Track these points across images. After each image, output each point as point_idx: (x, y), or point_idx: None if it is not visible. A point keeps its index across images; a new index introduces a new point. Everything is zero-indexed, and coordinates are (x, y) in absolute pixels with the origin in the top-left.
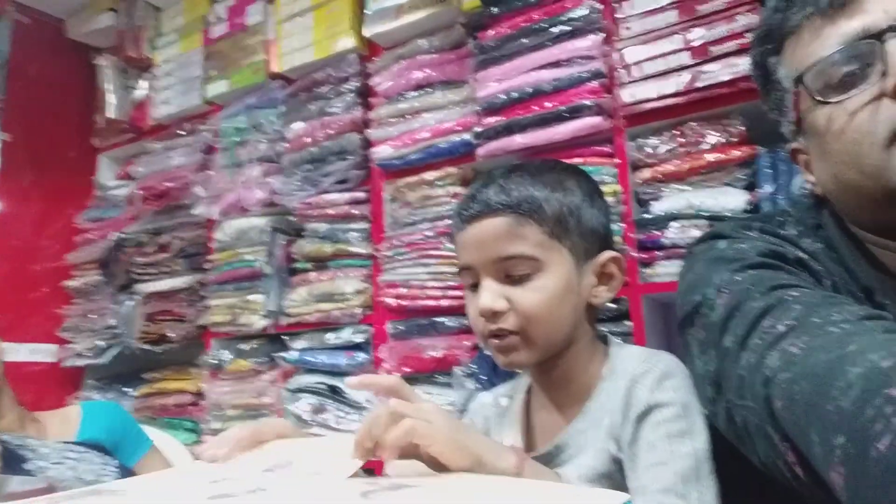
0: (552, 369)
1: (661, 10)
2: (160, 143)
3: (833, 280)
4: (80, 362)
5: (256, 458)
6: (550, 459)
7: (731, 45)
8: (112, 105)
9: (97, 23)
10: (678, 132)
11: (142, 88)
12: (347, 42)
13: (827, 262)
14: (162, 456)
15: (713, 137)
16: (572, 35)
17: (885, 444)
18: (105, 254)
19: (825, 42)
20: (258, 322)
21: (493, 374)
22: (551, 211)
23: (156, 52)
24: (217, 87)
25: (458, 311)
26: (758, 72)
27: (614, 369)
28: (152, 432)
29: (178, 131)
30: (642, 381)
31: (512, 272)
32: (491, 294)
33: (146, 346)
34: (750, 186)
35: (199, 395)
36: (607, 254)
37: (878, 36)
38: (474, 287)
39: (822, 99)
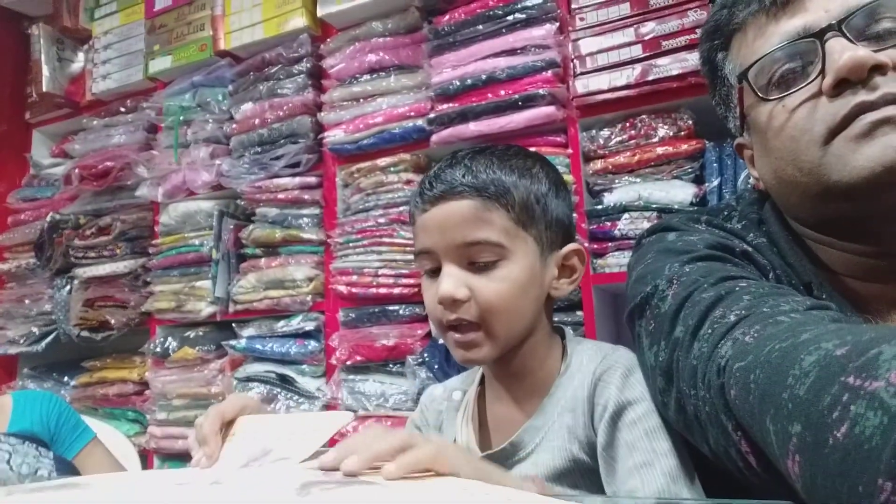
0: (509, 362)
1: (615, 2)
2: (100, 119)
3: (776, 273)
4: (14, 350)
5: (237, 448)
6: (507, 457)
7: (681, 40)
8: (46, 77)
9: None
10: (629, 124)
11: (79, 61)
12: (299, 21)
13: (770, 255)
14: (105, 448)
15: (663, 130)
16: (527, 23)
17: (842, 431)
18: (39, 235)
19: (768, 40)
20: (205, 309)
21: (446, 363)
22: (519, 197)
23: (94, 24)
24: (160, 63)
25: (411, 300)
26: (706, 67)
27: (571, 365)
28: (92, 423)
29: (119, 108)
30: (607, 380)
31: (476, 259)
32: (453, 281)
33: (85, 334)
34: (697, 180)
35: (142, 384)
36: (571, 246)
37: (819, 35)
38: (433, 273)
39: (763, 96)
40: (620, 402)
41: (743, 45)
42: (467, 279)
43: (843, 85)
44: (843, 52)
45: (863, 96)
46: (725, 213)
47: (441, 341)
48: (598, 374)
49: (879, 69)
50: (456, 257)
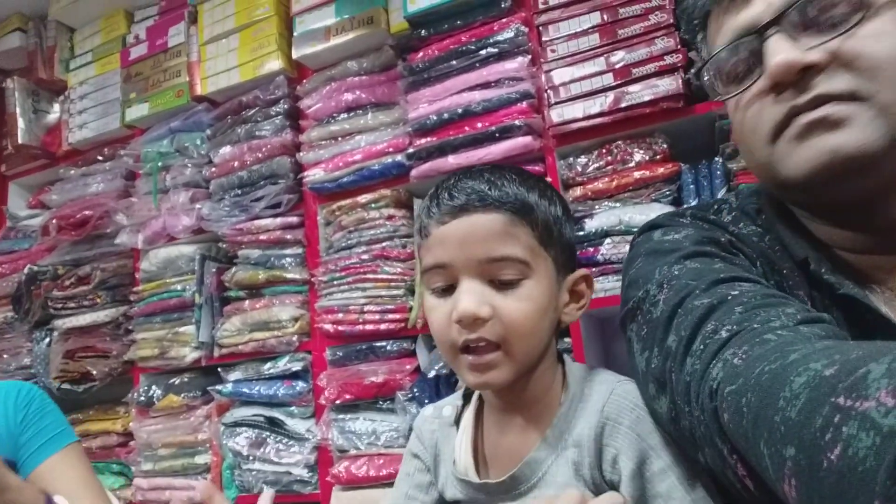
0: (518, 388)
1: (584, 33)
2: (77, 168)
3: (761, 262)
4: None
5: None
6: (507, 490)
7: (650, 67)
8: (22, 130)
9: (5, 43)
10: (606, 150)
11: (55, 112)
12: (274, 64)
13: (758, 244)
14: (85, 458)
15: (639, 155)
16: (500, 57)
17: (836, 453)
18: (17, 288)
19: (724, 35)
20: (189, 354)
21: (436, 398)
22: (541, 216)
23: (69, 74)
24: (137, 111)
25: (398, 335)
26: (695, 51)
27: (573, 394)
28: None
29: (97, 157)
30: (618, 421)
31: (499, 276)
32: (475, 297)
33: (66, 386)
34: (676, 202)
35: (127, 434)
36: (581, 271)
37: (760, 32)
38: (444, 291)
39: (720, 93)
40: (642, 450)
41: (709, 35)
42: (489, 296)
43: (780, 86)
44: (775, 55)
45: (796, 99)
46: (715, 206)
47: (432, 374)
48: (606, 414)
49: (815, 67)
50: (477, 273)
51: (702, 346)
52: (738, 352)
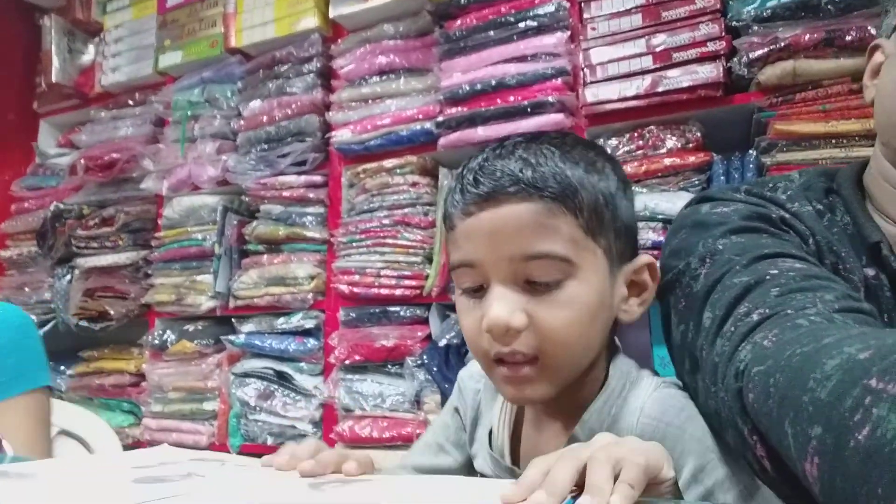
0: (564, 397)
1: (627, 12)
2: (107, 111)
3: (816, 240)
4: None
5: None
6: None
7: (692, 53)
8: (56, 68)
9: None
10: (637, 134)
11: (89, 53)
12: (310, 21)
13: (815, 223)
14: (48, 408)
15: (671, 142)
16: (539, 31)
17: (864, 434)
18: (42, 224)
19: None
20: (205, 303)
21: (445, 366)
22: (588, 198)
23: (106, 17)
24: (171, 58)
25: (413, 301)
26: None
27: (612, 391)
28: (78, 412)
29: (128, 101)
30: (670, 426)
31: (535, 277)
32: (507, 304)
33: (83, 323)
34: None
35: (139, 375)
36: (643, 258)
37: None
38: (476, 292)
39: None
40: (697, 467)
41: None
42: (524, 302)
43: None
44: None
45: None
46: (772, 184)
47: (442, 343)
48: (648, 413)
49: None
50: (509, 274)
51: (732, 328)
52: (768, 335)
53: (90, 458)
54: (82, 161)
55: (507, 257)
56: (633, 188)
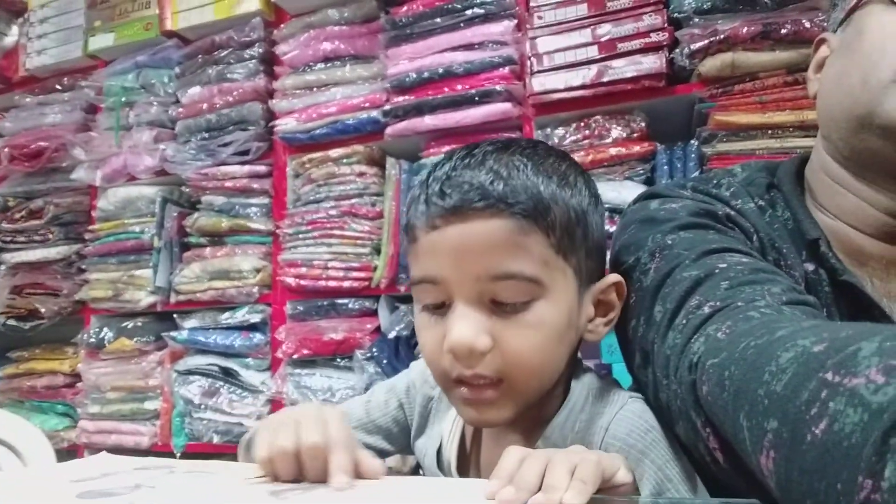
0: (526, 414)
1: (573, 2)
2: (33, 96)
3: (759, 237)
4: None
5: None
6: None
7: (636, 43)
8: None
9: None
10: (584, 124)
11: (12, 34)
12: (252, 4)
13: (758, 220)
14: None
15: (616, 131)
16: (486, 19)
17: (821, 428)
18: None
19: None
20: (145, 298)
21: (395, 359)
22: (561, 216)
23: None
24: (102, 41)
25: (361, 294)
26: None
27: (574, 405)
28: (12, 419)
29: (55, 86)
30: (631, 448)
31: (502, 297)
32: (471, 325)
33: (11, 322)
34: (648, 181)
35: (74, 376)
36: (611, 278)
37: None
38: (437, 308)
39: None
40: (659, 482)
41: None
42: (489, 324)
43: None
44: None
45: None
46: (716, 180)
47: (392, 335)
48: (612, 433)
49: None
50: (475, 293)
51: (684, 321)
52: (721, 327)
53: (24, 472)
54: (6, 150)
55: (474, 276)
56: (602, 203)
